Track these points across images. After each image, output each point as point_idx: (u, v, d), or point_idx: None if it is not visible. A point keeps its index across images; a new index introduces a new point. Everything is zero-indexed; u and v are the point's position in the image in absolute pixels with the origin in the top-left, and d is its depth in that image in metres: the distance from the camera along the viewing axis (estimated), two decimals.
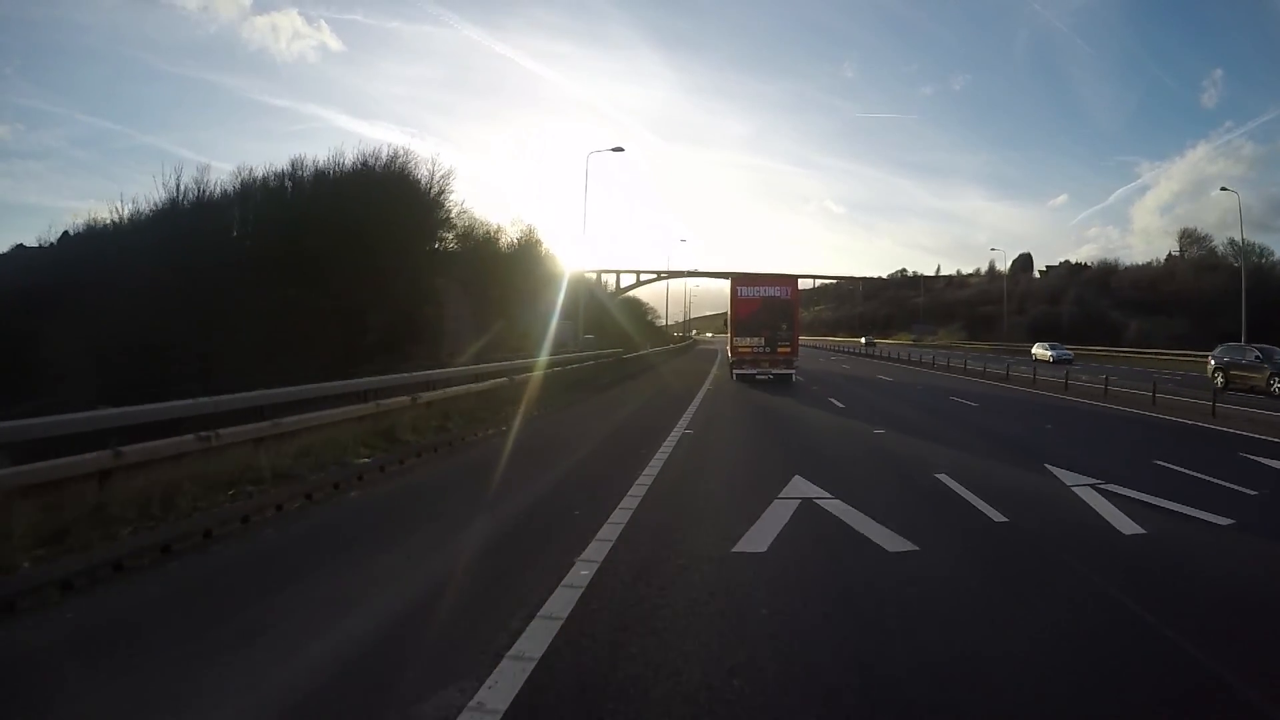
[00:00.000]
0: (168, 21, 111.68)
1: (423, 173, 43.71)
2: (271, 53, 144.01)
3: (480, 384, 15.00)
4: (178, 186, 36.75)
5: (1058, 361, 37.90)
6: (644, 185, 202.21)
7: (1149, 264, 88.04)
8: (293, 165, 41.61)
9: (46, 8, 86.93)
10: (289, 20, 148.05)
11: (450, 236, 52.33)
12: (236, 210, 42.12)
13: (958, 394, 19.02)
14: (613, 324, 52.96)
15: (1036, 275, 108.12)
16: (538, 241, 55.18)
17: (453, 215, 47.68)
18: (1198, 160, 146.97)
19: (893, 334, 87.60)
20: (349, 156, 42.09)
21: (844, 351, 57.00)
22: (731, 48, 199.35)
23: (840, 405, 15.29)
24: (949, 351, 46.21)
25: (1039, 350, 42.80)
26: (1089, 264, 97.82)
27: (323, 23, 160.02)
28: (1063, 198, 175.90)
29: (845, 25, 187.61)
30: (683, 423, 11.91)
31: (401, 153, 42.55)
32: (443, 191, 42.77)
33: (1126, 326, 61.31)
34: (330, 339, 35.14)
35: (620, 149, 29.35)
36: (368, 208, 40.55)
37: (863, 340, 72.90)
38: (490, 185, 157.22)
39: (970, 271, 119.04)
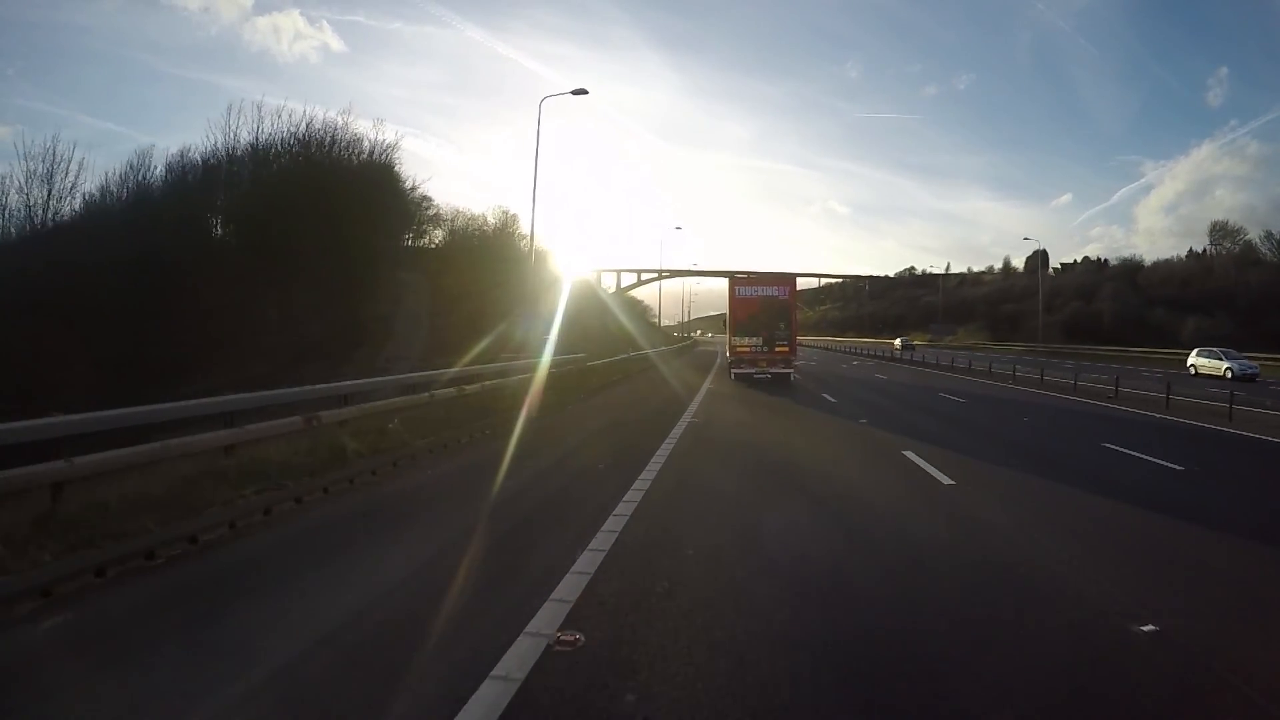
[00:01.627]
0: (169, 23, 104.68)
1: (366, 145, 35.89)
2: (273, 54, 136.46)
3: (243, 432, 7.59)
4: (49, 173, 28.75)
5: (1240, 378, 25.44)
6: (646, 187, 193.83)
7: (1170, 259, 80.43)
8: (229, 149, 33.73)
9: (48, 10, 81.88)
10: (291, 21, 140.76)
11: (420, 227, 45.48)
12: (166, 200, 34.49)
13: (1108, 434, 11.13)
14: (599, 324, 45.36)
15: (1051, 273, 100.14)
16: (520, 235, 47.99)
17: (414, 197, 40.08)
18: (1202, 160, 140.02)
19: (907, 334, 79.57)
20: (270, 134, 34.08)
21: (868, 355, 46.41)
22: (734, 50, 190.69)
23: (947, 480, 7.30)
24: (997, 357, 37.88)
25: (1203, 360, 28.87)
26: (1108, 261, 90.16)
27: (324, 23, 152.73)
28: (1067, 197, 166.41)
29: (848, 27, 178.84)
30: (599, 543, 4.22)
31: (339, 124, 34.74)
32: (388, 165, 34.90)
33: (1180, 326, 52.83)
34: (238, 346, 27.65)
35: (584, 91, 21.53)
36: (301, 190, 32.95)
37: (897, 343, 60.23)
38: (490, 186, 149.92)
39: (980, 271, 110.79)
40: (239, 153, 32.99)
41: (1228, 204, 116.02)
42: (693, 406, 14.06)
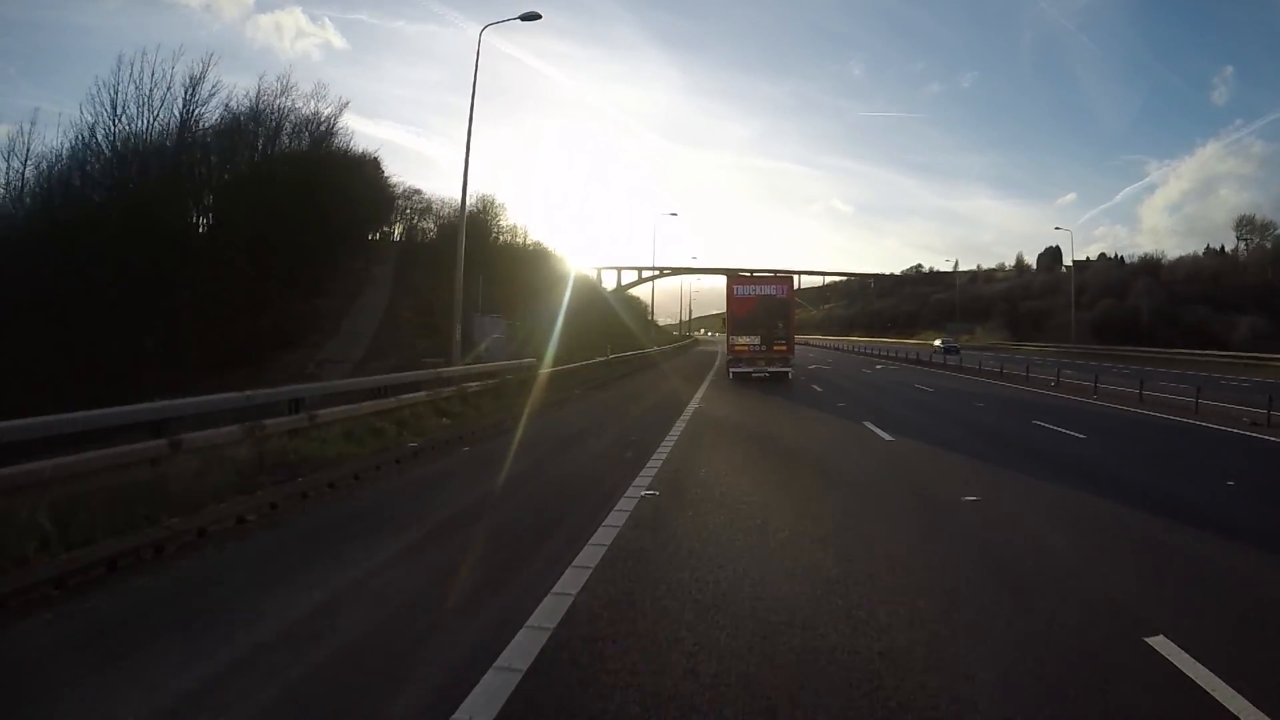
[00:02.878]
0: (171, 22, 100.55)
1: (319, 120, 30.33)
2: (275, 51, 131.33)
3: None
4: None
5: None
6: (647, 186, 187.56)
7: (1188, 256, 75.06)
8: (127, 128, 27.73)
9: (50, 10, 78.88)
10: (293, 19, 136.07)
11: (414, 221, 40.62)
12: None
13: None
14: (590, 322, 39.98)
15: (1063, 270, 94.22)
16: (502, 226, 42.79)
17: (367, 177, 34.57)
18: (1207, 159, 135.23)
19: (918, 333, 73.82)
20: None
21: (889, 357, 38.55)
22: (736, 49, 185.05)
23: None
24: (1046, 360, 31.69)
25: None
26: (1123, 259, 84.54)
27: (326, 21, 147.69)
28: (1070, 196, 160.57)
29: (850, 26, 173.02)
30: None
31: (275, 91, 29.11)
32: (331, 132, 29.43)
33: (1226, 326, 46.81)
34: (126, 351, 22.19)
35: (535, 15, 15.95)
36: (218, 170, 27.51)
37: (937, 343, 49.44)
38: (490, 184, 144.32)
39: (990, 268, 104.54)
40: (124, 125, 26.94)
41: (1232, 203, 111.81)
42: (662, 449, 8.46)
